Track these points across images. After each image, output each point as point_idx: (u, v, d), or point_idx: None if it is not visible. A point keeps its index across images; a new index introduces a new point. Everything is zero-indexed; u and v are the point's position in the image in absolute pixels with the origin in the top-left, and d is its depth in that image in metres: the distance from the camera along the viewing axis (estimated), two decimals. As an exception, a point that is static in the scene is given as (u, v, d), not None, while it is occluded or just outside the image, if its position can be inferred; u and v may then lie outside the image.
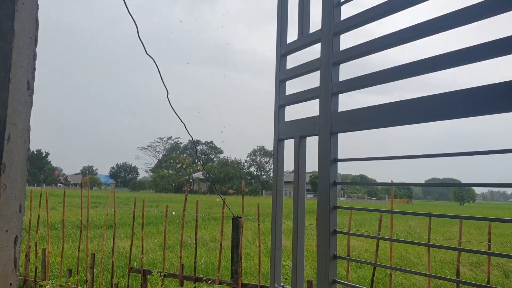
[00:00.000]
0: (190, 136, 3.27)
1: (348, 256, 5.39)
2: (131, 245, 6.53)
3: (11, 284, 0.92)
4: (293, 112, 1.74)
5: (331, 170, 1.38)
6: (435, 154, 1.14)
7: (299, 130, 1.56)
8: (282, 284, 1.47)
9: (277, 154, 1.66)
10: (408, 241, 1.22)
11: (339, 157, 1.39)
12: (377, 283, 8.43)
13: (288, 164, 1.88)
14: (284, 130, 1.65)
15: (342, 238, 10.84)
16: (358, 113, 1.32)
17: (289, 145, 1.71)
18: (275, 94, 1.70)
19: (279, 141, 1.67)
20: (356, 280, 8.99)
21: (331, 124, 1.40)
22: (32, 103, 0.97)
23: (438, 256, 12.38)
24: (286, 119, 1.68)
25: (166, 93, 2.83)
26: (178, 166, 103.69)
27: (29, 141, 0.96)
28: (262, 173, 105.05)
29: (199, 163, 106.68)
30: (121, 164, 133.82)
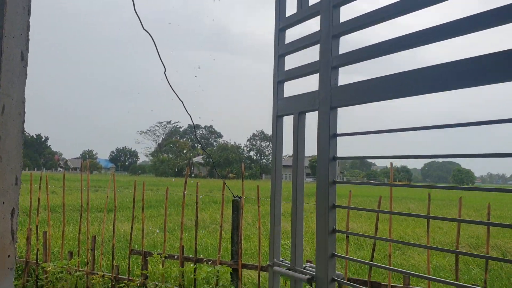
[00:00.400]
0: (189, 114, 3.25)
1: (347, 237, 5.42)
2: (132, 228, 6.56)
3: (9, 256, 0.92)
4: (293, 89, 1.72)
5: (331, 145, 1.37)
6: (434, 126, 1.13)
7: (298, 106, 1.54)
8: (281, 259, 1.47)
9: (276, 130, 1.64)
10: (407, 213, 1.21)
11: (338, 132, 1.38)
12: (377, 262, 8.49)
13: (287, 146, 1.86)
14: (283, 106, 1.63)
15: (340, 221, 10.89)
16: (359, 86, 1.30)
17: (288, 124, 1.69)
18: (273, 70, 1.68)
19: (278, 118, 1.65)
20: (355, 261, 9.06)
21: (331, 99, 1.38)
22: (26, 74, 0.95)
23: (437, 238, 12.47)
24: (285, 96, 1.66)
25: (164, 70, 2.81)
26: (177, 148, 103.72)
27: (24, 113, 0.95)
28: (262, 157, 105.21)
29: (198, 146, 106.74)
30: (121, 148, 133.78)
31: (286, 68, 1.64)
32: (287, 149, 1.77)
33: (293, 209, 1.42)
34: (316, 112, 1.44)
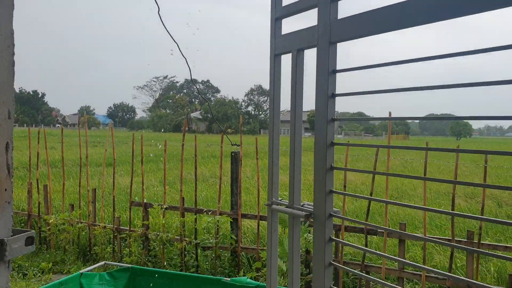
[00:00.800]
0: (184, 57, 3.19)
1: (345, 186, 5.48)
2: (131, 181, 6.62)
3: (6, 190, 0.92)
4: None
5: (330, 81, 1.34)
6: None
7: (296, 43, 1.50)
8: (280, 199, 1.48)
9: (274, 70, 1.61)
10: (406, 146, 1.21)
11: (338, 70, 1.35)
12: (373, 214, 8.63)
13: (285, 88, 1.83)
14: (281, 44, 1.59)
15: (337, 173, 10.98)
16: (359, 19, 1.26)
17: (287, 62, 1.66)
18: (271, 7, 1.62)
19: (275, 56, 1.61)
20: (352, 210, 9.21)
21: (330, 33, 1.35)
22: (13, 5, 0.91)
23: (433, 187, 12.63)
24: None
25: (157, 9, 2.73)
26: (174, 103, 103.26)
27: (14, 45, 0.92)
28: (260, 112, 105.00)
29: (196, 102, 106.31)
30: (118, 104, 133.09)
31: (283, 4, 1.59)
32: (285, 90, 1.74)
33: (291, 147, 1.41)
34: (315, 50, 1.41)
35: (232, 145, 5.70)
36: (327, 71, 1.34)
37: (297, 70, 1.49)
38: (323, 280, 1.22)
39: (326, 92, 1.33)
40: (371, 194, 5.26)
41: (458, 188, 12.10)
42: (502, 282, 5.34)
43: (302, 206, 1.36)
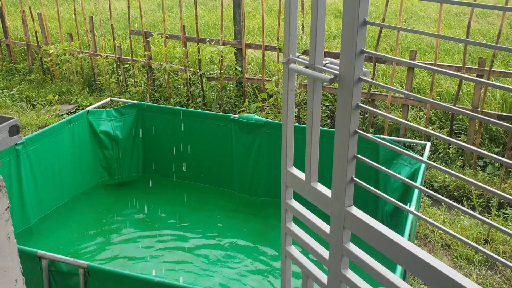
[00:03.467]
0: None
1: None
2: (128, 5, 6.24)
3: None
4: None
5: None
6: None
7: None
8: (297, 54, 1.29)
9: None
10: None
11: None
12: (382, 38, 8.35)
13: None
14: None
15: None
16: None
17: None
18: None
19: None
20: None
21: None
22: None
23: (444, 8, 12.01)
24: None
25: None
26: None
27: None
28: None
29: None
30: None
31: None
32: None
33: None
34: None
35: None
36: None
37: None
38: (347, 149, 1.13)
39: None
40: (383, 19, 4.98)
41: (469, 9, 11.52)
42: (506, 108, 5.37)
43: (325, 65, 1.19)
